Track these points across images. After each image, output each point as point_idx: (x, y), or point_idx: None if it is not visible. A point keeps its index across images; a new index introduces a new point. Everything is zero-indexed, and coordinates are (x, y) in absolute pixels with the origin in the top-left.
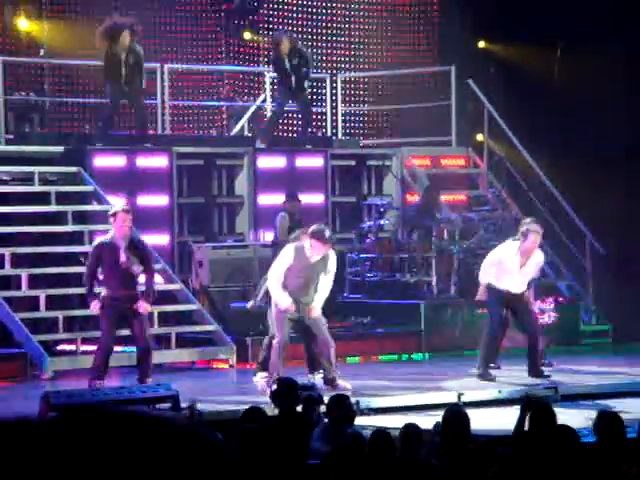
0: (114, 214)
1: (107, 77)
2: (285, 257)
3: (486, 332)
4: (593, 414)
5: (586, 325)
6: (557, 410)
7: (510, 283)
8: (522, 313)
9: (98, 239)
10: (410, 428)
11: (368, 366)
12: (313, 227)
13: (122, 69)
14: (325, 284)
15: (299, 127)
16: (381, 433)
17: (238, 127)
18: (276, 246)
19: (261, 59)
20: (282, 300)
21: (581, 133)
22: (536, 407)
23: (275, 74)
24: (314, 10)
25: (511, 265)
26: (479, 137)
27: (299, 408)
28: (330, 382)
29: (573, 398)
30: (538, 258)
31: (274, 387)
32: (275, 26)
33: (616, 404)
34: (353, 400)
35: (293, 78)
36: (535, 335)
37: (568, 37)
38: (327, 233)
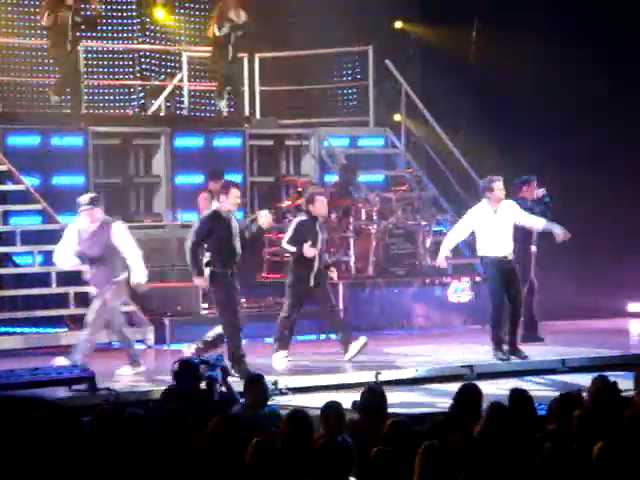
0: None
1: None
2: None
3: (492, 307)
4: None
5: None
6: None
7: (497, 243)
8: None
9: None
10: (332, 407)
11: None
12: None
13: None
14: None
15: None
16: (298, 414)
17: (155, 106)
18: None
19: (177, 38)
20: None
21: (498, 113)
22: (466, 388)
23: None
24: None
25: (486, 216)
26: (397, 117)
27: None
28: None
29: (489, 376)
30: (510, 206)
31: (175, 367)
32: (192, 4)
33: (530, 381)
34: (272, 379)
35: (231, 48)
36: (518, 306)
37: (484, 16)
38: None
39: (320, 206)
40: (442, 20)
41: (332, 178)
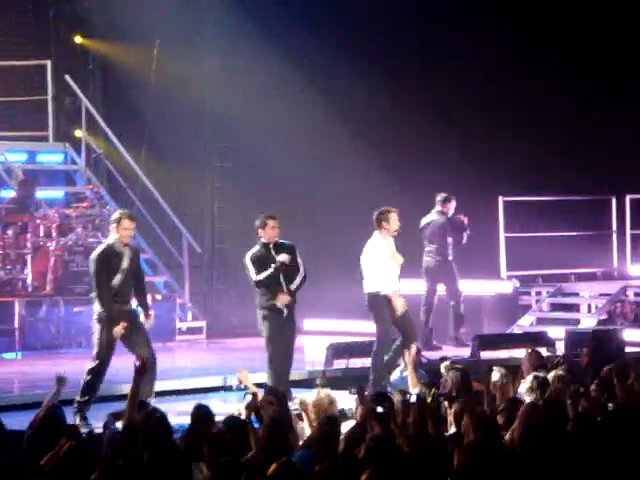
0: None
1: None
2: None
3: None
4: (186, 410)
5: (182, 322)
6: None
7: (395, 279)
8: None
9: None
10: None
11: None
12: None
13: None
14: None
15: None
16: None
17: None
18: None
19: None
20: None
21: (181, 135)
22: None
23: None
24: None
25: (388, 251)
26: (78, 133)
27: None
28: None
29: (167, 394)
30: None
31: None
32: None
33: (210, 399)
34: None
35: None
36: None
37: (165, 36)
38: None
39: (270, 231)
40: (123, 37)
41: (9, 193)
